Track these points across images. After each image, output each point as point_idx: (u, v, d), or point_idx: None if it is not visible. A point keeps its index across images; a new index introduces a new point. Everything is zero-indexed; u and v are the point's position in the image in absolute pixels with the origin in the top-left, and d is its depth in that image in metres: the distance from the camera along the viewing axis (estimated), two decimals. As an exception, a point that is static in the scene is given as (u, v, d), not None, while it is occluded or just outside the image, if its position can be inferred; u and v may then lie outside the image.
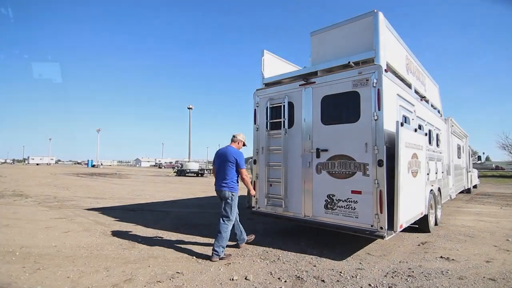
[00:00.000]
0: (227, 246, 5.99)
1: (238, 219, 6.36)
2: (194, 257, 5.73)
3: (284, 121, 7.00)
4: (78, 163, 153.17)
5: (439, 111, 11.16)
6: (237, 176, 6.10)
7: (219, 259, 5.61)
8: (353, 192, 5.89)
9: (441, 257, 5.92)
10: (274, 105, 7.27)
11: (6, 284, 4.45)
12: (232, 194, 5.92)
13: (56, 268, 5.08)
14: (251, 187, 6.50)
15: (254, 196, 7.14)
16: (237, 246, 6.41)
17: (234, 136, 6.34)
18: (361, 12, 6.53)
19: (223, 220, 5.88)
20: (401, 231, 6.09)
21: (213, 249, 5.63)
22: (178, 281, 4.63)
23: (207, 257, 5.66)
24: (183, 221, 9.16)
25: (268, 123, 7.37)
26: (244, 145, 6.45)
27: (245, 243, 6.44)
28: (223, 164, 6.02)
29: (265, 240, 6.91)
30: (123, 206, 12.21)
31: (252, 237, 6.65)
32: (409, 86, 7.68)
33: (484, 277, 4.94)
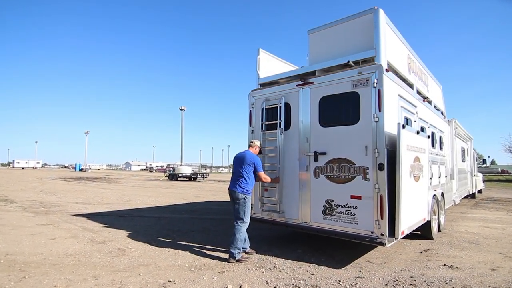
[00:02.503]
0: (223, 251, 5.99)
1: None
2: (187, 265, 5.71)
3: (280, 123, 7.02)
4: (65, 167, 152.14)
5: (442, 113, 11.21)
6: (253, 180, 6.39)
7: (236, 261, 5.88)
8: (352, 197, 5.90)
9: (444, 265, 5.94)
10: (270, 106, 7.28)
11: (-11, 293, 4.44)
12: (244, 196, 6.15)
13: (43, 277, 5.06)
14: (272, 180, 6.79)
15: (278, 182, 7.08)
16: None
17: (252, 142, 6.71)
18: (361, 9, 6.58)
19: (237, 222, 6.15)
20: (402, 238, 6.11)
21: (229, 251, 5.97)
22: (169, 291, 4.62)
23: (200, 265, 5.65)
24: (175, 228, 9.15)
25: (264, 125, 7.38)
26: (260, 152, 6.84)
27: (245, 252, 6.32)
28: (240, 166, 6.30)
29: (260, 247, 6.90)
30: (112, 212, 12.15)
31: (253, 252, 6.50)
32: (411, 86, 7.72)
33: (489, 286, 4.96)
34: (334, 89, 6.34)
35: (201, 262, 5.87)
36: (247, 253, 6.38)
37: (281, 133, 6.99)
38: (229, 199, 6.49)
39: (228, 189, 6.40)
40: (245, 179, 6.22)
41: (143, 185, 30.35)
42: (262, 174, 6.40)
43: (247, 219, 6.22)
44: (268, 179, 6.60)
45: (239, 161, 6.36)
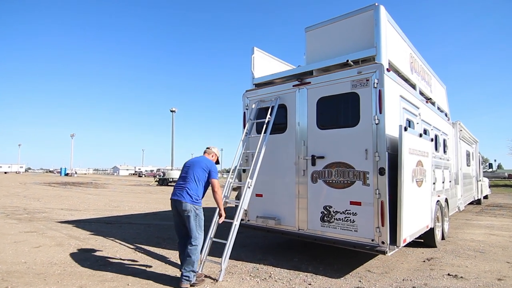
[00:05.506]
0: (215, 262, 5.92)
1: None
2: (178, 274, 5.66)
3: (268, 122, 6.92)
4: (50, 171, 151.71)
5: (446, 114, 11.25)
6: (204, 191, 5.63)
7: (190, 286, 5.16)
8: (352, 203, 5.90)
9: (448, 274, 5.95)
10: (265, 108, 7.26)
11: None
12: (195, 208, 5.36)
13: (26, 287, 5.04)
14: (222, 207, 5.72)
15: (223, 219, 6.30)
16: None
17: (208, 148, 6.05)
18: (360, 6, 6.60)
19: (190, 243, 5.27)
20: (404, 246, 6.12)
21: (182, 275, 5.16)
22: (158, 302, 4.61)
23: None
24: (165, 235, 9.13)
25: (258, 126, 7.34)
26: (217, 162, 6.09)
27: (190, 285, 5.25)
28: (191, 171, 5.56)
29: (255, 256, 6.91)
30: (100, 219, 12.12)
31: (202, 275, 5.59)
32: (414, 87, 7.75)
33: (494, 296, 4.98)
34: (332, 89, 6.35)
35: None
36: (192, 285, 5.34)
37: (264, 133, 6.85)
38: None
39: (171, 199, 5.51)
40: (196, 184, 5.46)
41: (131, 191, 30.28)
42: (216, 182, 5.59)
43: (201, 235, 5.41)
44: (220, 193, 5.63)
45: (191, 165, 5.65)
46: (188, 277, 5.13)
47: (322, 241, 6.29)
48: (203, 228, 5.51)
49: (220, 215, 5.72)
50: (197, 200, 5.40)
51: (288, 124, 6.96)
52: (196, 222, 5.33)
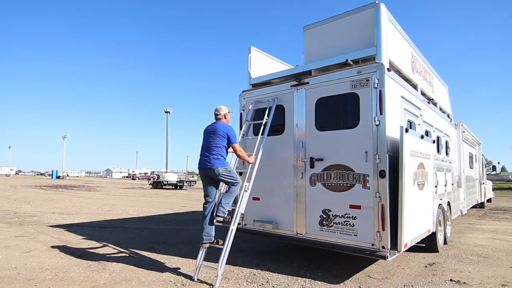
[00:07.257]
0: (211, 267, 5.90)
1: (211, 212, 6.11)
2: (172, 280, 5.68)
3: (266, 123, 6.92)
4: (41, 174, 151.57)
5: (448, 115, 11.28)
6: (227, 153, 6.22)
7: (223, 219, 5.91)
8: (351, 206, 5.90)
9: (451, 280, 5.95)
10: (262, 109, 7.26)
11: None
12: (225, 168, 6.03)
13: (15, 293, 5.01)
14: (248, 158, 6.46)
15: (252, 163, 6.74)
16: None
17: (217, 111, 6.46)
18: (360, 4, 6.60)
19: (232, 185, 6.14)
20: (405, 251, 6.11)
21: (221, 206, 5.92)
22: (152, 308, 4.60)
23: (187, 278, 5.65)
24: (159, 240, 9.11)
25: (255, 128, 7.35)
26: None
27: (211, 243, 5.96)
28: (211, 139, 6.12)
29: (252, 261, 6.89)
30: (92, 223, 12.09)
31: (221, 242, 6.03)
32: (415, 87, 7.77)
33: (498, 302, 4.98)
34: (331, 90, 6.35)
35: (188, 277, 5.84)
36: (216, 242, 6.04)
37: (261, 134, 6.86)
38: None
39: (200, 168, 6.20)
40: (219, 150, 6.04)
41: (125, 194, 30.26)
42: (237, 146, 6.23)
43: (239, 179, 6.25)
44: (244, 154, 6.38)
45: (210, 133, 6.19)
46: (224, 208, 5.91)
47: (321, 246, 6.29)
48: (237, 174, 6.38)
49: (251, 160, 6.51)
50: (223, 162, 6.06)
51: (286, 126, 6.96)
52: (230, 177, 6.10)
